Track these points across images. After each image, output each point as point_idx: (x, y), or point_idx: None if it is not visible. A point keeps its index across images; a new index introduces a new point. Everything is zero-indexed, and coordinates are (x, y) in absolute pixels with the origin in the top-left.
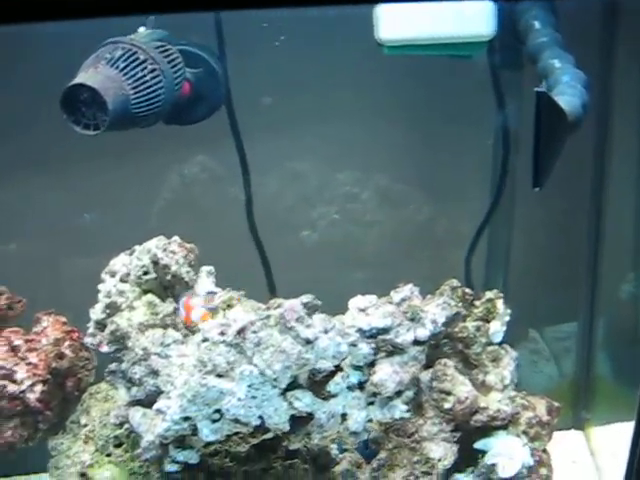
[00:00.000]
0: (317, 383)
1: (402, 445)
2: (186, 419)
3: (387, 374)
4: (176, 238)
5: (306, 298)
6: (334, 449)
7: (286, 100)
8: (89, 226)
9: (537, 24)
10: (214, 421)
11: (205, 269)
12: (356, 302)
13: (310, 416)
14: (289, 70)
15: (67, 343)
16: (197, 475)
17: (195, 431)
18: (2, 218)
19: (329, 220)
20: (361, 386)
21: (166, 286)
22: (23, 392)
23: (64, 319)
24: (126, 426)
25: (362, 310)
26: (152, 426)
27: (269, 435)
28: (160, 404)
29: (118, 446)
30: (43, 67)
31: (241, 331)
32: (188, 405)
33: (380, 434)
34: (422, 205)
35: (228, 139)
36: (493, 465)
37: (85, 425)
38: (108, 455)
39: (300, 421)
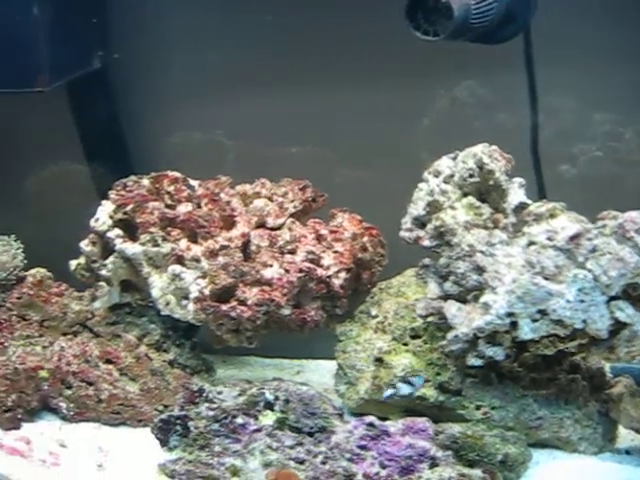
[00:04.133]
0: (633, 298)
1: None
2: (509, 315)
3: None
4: (495, 147)
5: None
6: (608, 372)
7: (562, 31)
8: (361, 136)
9: None
10: (534, 320)
11: (517, 180)
12: None
13: (622, 328)
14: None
15: (366, 238)
16: (489, 374)
17: (512, 328)
18: (295, 124)
19: (590, 157)
20: None
21: (482, 192)
22: (329, 277)
23: (359, 217)
24: (429, 319)
25: None
26: (468, 319)
27: (575, 343)
28: (487, 298)
29: (415, 337)
30: None
31: (574, 237)
32: (515, 301)
33: None
34: None
35: (497, 65)
36: None
37: (375, 316)
38: (405, 344)
39: (610, 333)
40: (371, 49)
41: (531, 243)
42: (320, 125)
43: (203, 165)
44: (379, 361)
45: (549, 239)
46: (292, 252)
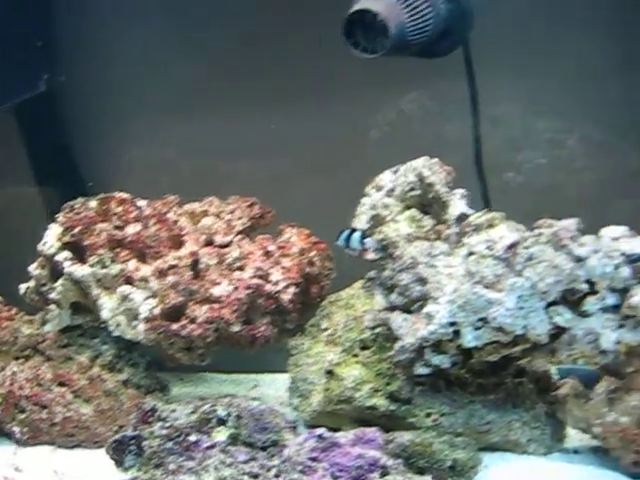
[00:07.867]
0: (571, 302)
1: None
2: (452, 324)
3: None
4: (437, 159)
5: (575, 220)
6: (554, 374)
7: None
8: (312, 149)
9: None
10: (477, 328)
11: (459, 191)
12: (609, 231)
13: (562, 332)
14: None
15: (314, 253)
16: (438, 382)
17: (455, 336)
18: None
19: (535, 164)
20: (614, 309)
21: (424, 204)
22: (278, 292)
23: (307, 231)
24: (377, 330)
25: (615, 239)
26: (413, 330)
27: (518, 348)
28: (429, 308)
29: (364, 348)
30: None
31: (512, 246)
32: (457, 311)
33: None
34: (630, 153)
35: (441, 77)
36: None
37: (326, 329)
38: (355, 356)
39: (550, 338)
40: (318, 64)
41: (471, 253)
42: (268, 142)
43: (155, 184)
44: (330, 373)
45: (488, 248)
46: (241, 269)
